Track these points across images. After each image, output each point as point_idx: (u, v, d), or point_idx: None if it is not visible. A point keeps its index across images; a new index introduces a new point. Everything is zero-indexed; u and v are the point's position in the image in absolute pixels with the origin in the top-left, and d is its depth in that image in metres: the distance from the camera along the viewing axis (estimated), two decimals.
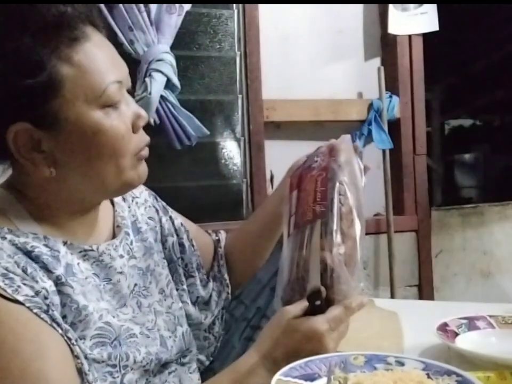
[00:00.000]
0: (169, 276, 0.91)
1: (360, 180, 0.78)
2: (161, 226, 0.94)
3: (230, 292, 1.01)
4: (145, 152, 0.76)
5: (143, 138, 0.76)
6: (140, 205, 0.92)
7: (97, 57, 0.69)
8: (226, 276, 1.00)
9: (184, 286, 0.94)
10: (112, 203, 0.87)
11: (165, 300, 0.87)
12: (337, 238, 0.71)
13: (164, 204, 0.98)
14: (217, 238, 1.05)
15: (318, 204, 0.73)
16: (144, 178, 0.78)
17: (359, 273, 0.72)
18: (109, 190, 0.76)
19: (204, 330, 0.96)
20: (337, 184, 0.74)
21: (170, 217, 0.96)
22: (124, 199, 0.89)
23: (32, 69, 0.64)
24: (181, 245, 0.96)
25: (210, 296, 0.97)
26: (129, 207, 0.89)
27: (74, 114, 0.67)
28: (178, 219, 0.98)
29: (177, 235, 0.96)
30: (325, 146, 0.85)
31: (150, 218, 0.92)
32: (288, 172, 0.95)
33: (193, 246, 0.97)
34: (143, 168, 0.77)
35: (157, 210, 0.95)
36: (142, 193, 0.94)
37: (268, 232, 0.99)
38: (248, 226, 1.05)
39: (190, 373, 0.88)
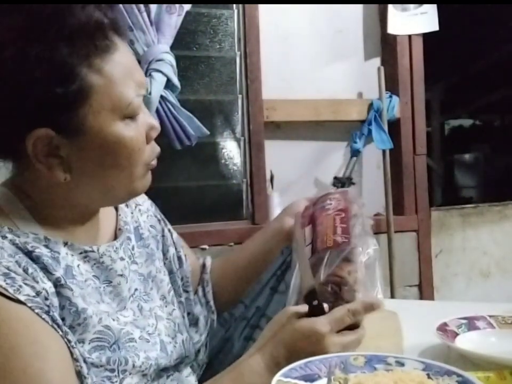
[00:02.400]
0: (170, 284, 0.91)
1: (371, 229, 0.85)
2: (163, 236, 0.94)
3: (215, 318, 0.99)
4: (155, 163, 0.77)
5: (155, 149, 0.77)
6: (143, 213, 0.92)
7: (124, 69, 0.69)
8: (212, 303, 0.99)
9: (182, 298, 0.94)
10: (116, 208, 0.87)
11: (166, 306, 0.87)
12: (356, 263, 0.78)
13: (163, 216, 0.99)
14: (202, 262, 1.05)
15: (340, 236, 0.80)
16: (147, 187, 0.78)
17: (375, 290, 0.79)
18: (116, 198, 0.77)
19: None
20: (358, 225, 0.82)
21: (169, 229, 0.97)
22: (127, 205, 0.89)
23: (64, 77, 0.64)
24: (179, 258, 0.96)
25: (198, 319, 0.96)
26: (132, 213, 0.89)
27: (98, 124, 0.68)
28: (175, 233, 0.99)
29: (175, 248, 0.97)
30: (337, 193, 0.93)
31: (151, 226, 0.92)
32: (285, 210, 1.00)
33: (186, 262, 0.98)
34: (149, 178, 0.78)
35: (158, 220, 0.95)
36: (145, 202, 0.95)
37: (256, 266, 1.00)
38: (236, 259, 1.04)
39: (186, 376, 0.87)
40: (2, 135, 0.68)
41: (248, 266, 1.01)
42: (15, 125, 0.67)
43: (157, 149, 0.77)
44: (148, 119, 0.74)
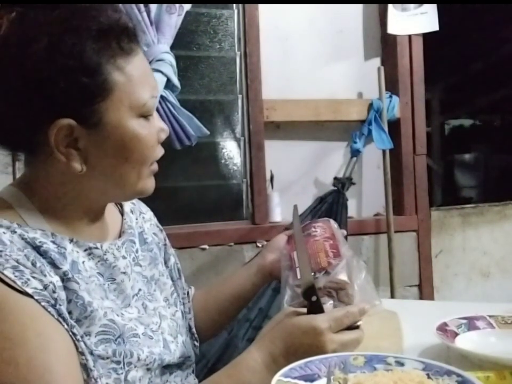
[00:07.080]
0: (173, 287, 0.92)
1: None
2: (165, 244, 0.98)
3: (198, 344, 0.99)
4: (156, 167, 0.81)
5: (160, 151, 0.81)
6: (146, 221, 0.95)
7: (141, 72, 0.74)
8: (194, 330, 0.99)
9: (182, 307, 0.95)
10: (122, 213, 0.90)
11: (169, 307, 0.88)
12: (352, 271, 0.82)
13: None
14: (186, 291, 1.05)
15: (332, 259, 0.84)
16: (153, 189, 0.81)
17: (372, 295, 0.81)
18: (124, 194, 0.79)
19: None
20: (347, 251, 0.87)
21: (169, 240, 1.00)
22: (132, 212, 0.92)
23: (91, 71, 0.69)
24: (178, 270, 0.99)
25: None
26: (136, 219, 0.92)
27: (117, 118, 0.72)
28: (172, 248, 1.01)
29: (175, 259, 0.99)
30: (320, 222, 0.97)
31: (154, 234, 0.95)
32: (266, 247, 1.04)
33: (182, 277, 1.00)
34: (153, 180, 0.81)
35: (160, 230, 0.99)
36: (148, 211, 0.99)
37: (238, 301, 1.03)
38: (218, 293, 1.05)
39: (187, 375, 0.88)
40: (27, 124, 0.71)
41: (230, 301, 1.03)
42: (41, 113, 0.69)
43: (162, 151, 0.81)
44: (158, 122, 0.79)
